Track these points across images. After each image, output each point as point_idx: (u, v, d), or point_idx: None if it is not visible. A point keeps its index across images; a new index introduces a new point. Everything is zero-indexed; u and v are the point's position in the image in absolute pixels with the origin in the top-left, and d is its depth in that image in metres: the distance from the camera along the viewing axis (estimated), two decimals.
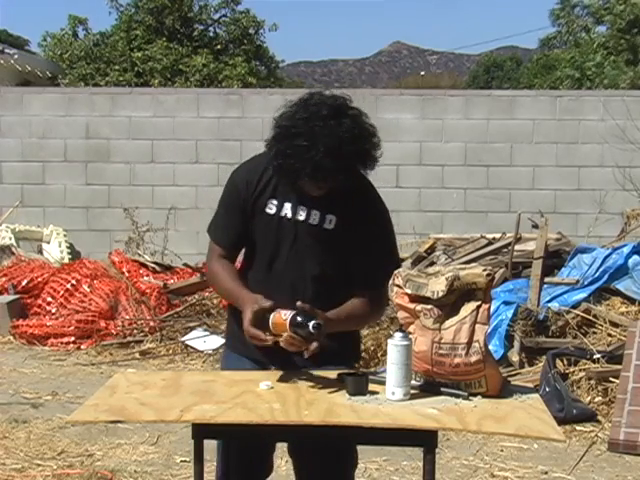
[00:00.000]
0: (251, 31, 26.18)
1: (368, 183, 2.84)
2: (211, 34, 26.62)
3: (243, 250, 2.91)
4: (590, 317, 6.19)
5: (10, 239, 9.97)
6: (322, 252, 2.77)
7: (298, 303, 2.56)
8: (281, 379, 2.70)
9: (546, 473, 4.67)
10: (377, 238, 2.82)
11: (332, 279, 2.78)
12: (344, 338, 2.82)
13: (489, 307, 2.57)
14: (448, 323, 2.54)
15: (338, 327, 2.70)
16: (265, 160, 2.77)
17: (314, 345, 2.54)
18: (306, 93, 2.69)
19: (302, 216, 2.75)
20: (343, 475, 2.93)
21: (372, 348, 6.43)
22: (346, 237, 2.76)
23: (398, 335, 2.53)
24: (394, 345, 2.53)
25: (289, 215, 2.76)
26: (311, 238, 2.76)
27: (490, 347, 2.91)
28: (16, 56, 15.96)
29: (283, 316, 2.56)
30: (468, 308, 2.55)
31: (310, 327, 2.52)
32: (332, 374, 2.72)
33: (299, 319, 2.54)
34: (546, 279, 6.69)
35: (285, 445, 3.03)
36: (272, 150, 2.66)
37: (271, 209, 2.77)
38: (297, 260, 2.76)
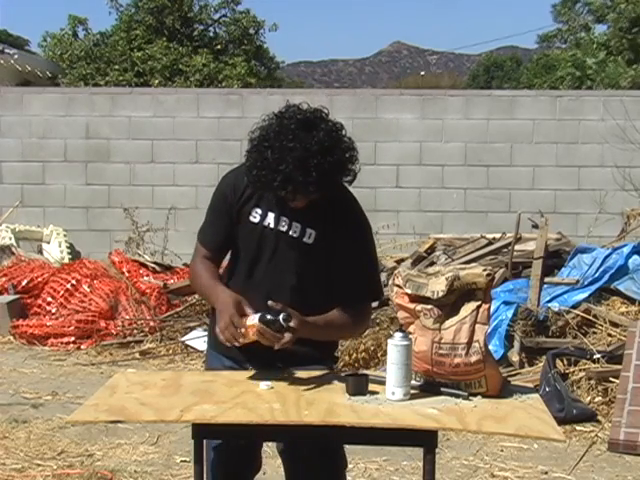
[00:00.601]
0: (251, 31, 26.18)
1: (351, 197, 2.85)
2: (211, 34, 26.62)
3: (228, 255, 2.95)
4: (590, 317, 6.19)
5: (10, 239, 9.97)
6: (301, 264, 2.80)
7: (269, 302, 2.60)
8: (281, 379, 2.71)
9: (546, 473, 4.67)
10: (358, 255, 2.80)
11: (310, 291, 2.80)
12: (319, 342, 2.82)
13: (489, 307, 2.57)
14: (448, 323, 2.54)
15: (315, 332, 2.71)
16: None
17: (287, 336, 2.57)
18: (284, 105, 2.71)
19: (284, 227, 2.79)
20: (337, 476, 2.94)
21: (372, 348, 6.43)
22: (325, 252, 2.78)
23: (398, 335, 2.53)
24: (394, 345, 2.53)
25: (271, 225, 2.80)
26: (291, 250, 2.79)
27: (490, 347, 2.91)
28: (16, 56, 15.97)
29: (250, 321, 2.60)
30: (468, 308, 2.55)
31: (280, 319, 2.56)
32: (317, 373, 2.74)
33: (268, 317, 2.58)
34: (546, 279, 6.68)
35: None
36: (247, 162, 2.70)
37: (255, 217, 2.81)
38: (276, 270, 2.80)
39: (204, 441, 2.57)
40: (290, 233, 2.78)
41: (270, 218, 2.79)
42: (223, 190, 2.89)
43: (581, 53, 25.54)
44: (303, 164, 2.55)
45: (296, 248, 2.78)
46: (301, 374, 2.74)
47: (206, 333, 7.46)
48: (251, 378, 2.73)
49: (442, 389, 2.56)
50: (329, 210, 2.76)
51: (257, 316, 2.60)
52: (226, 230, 2.86)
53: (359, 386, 2.60)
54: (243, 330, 2.61)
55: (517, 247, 7.26)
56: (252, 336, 2.60)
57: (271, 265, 2.80)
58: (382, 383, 2.64)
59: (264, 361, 2.77)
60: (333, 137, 2.61)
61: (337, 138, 2.63)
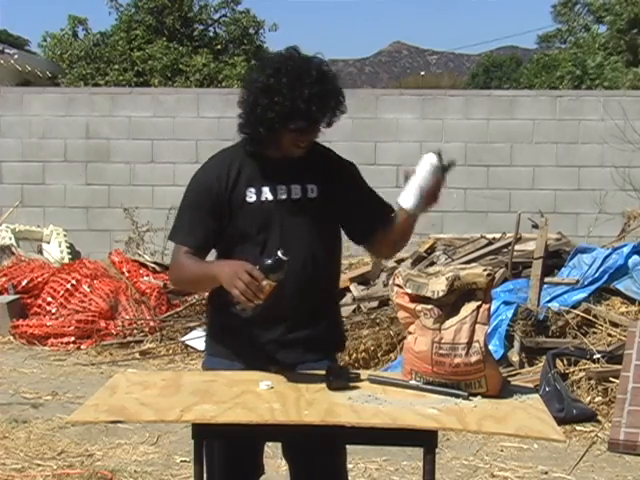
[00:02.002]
0: (251, 31, 26.17)
1: (327, 147, 2.91)
2: (211, 34, 26.61)
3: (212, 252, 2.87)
4: (590, 317, 6.19)
5: (10, 239, 9.97)
6: (310, 223, 2.78)
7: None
8: (281, 379, 2.71)
9: (546, 473, 4.67)
10: (363, 187, 2.90)
11: (321, 247, 2.79)
12: (328, 326, 2.86)
13: (489, 307, 2.57)
14: (448, 323, 2.54)
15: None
16: (227, 155, 2.84)
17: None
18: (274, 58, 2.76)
19: (284, 195, 2.76)
20: (342, 471, 2.94)
21: (372, 348, 6.43)
22: (330, 200, 2.79)
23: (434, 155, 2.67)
24: (429, 163, 2.67)
25: (270, 198, 2.76)
26: (298, 213, 2.77)
27: (490, 347, 2.91)
28: (16, 56, 15.97)
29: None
30: (468, 308, 2.55)
31: (279, 255, 2.52)
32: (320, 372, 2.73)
33: (269, 261, 2.54)
34: (546, 279, 6.68)
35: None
36: (254, 109, 2.67)
37: (251, 197, 2.75)
38: (289, 239, 2.73)
39: (204, 448, 2.55)
40: (292, 197, 2.76)
41: (266, 192, 2.75)
42: (205, 183, 2.80)
43: (582, 52, 25.54)
44: (319, 81, 2.63)
45: (302, 209, 2.76)
46: (305, 373, 2.74)
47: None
48: (253, 377, 2.73)
49: (442, 389, 2.56)
50: (318, 162, 2.81)
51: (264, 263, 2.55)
52: (210, 227, 2.77)
53: (338, 381, 2.61)
54: (264, 283, 2.53)
55: (517, 247, 7.26)
56: (267, 288, 2.54)
57: (283, 237, 2.74)
58: (382, 383, 2.64)
59: (270, 360, 2.77)
60: (328, 71, 2.70)
61: (331, 72, 2.71)
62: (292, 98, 2.60)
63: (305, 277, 2.73)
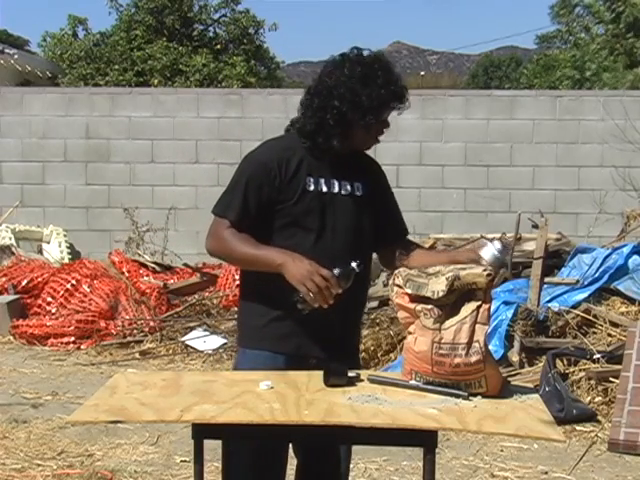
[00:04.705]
0: (251, 31, 26.14)
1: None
2: (211, 34, 26.59)
3: None
4: (590, 317, 6.19)
5: (10, 239, 9.97)
6: (358, 218, 2.90)
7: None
8: (281, 379, 2.71)
9: (546, 473, 4.67)
10: (392, 197, 3.09)
11: (363, 242, 2.90)
12: (356, 329, 3.04)
13: (489, 307, 2.57)
14: (448, 323, 2.54)
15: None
16: (290, 142, 2.87)
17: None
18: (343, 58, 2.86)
19: (336, 188, 2.87)
20: (347, 468, 3.02)
21: (372, 348, 6.43)
22: (372, 200, 2.94)
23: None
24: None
25: (324, 189, 2.84)
26: (349, 207, 2.88)
27: (490, 347, 2.91)
28: (16, 56, 15.98)
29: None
30: (468, 308, 2.54)
31: (354, 267, 2.68)
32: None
33: (345, 268, 2.69)
34: (546, 279, 6.68)
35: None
36: (347, 101, 2.77)
37: (310, 186, 2.82)
38: (342, 231, 2.85)
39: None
40: (343, 192, 2.87)
41: (322, 184, 2.84)
42: (265, 163, 2.80)
43: (581, 54, 25.51)
44: (397, 74, 2.87)
45: (352, 204, 2.88)
46: (305, 373, 2.75)
47: (206, 333, 7.53)
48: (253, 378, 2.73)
49: (442, 389, 2.56)
50: (361, 162, 2.97)
51: (337, 270, 2.67)
52: (261, 205, 2.79)
53: (335, 377, 2.62)
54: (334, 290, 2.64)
55: (517, 247, 7.26)
56: (338, 288, 2.65)
57: (337, 227, 2.84)
58: (382, 383, 2.64)
59: (323, 352, 2.80)
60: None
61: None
62: (391, 82, 2.82)
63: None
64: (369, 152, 3.03)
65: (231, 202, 2.82)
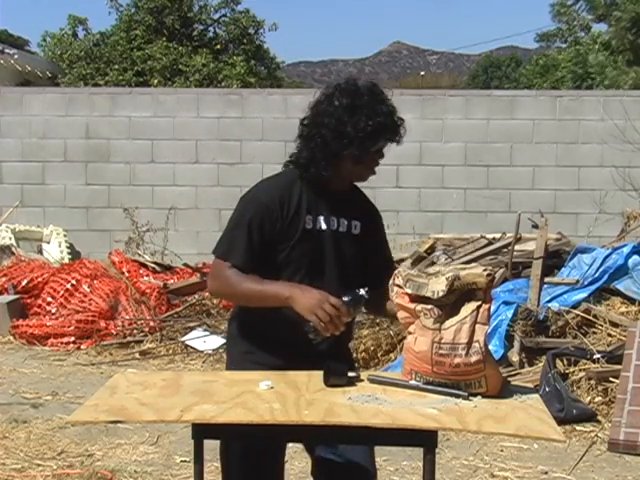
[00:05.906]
0: (251, 31, 26.14)
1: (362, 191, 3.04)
2: (211, 34, 26.59)
3: None
4: (590, 317, 6.19)
5: (10, 239, 9.97)
6: (353, 255, 2.90)
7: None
8: (281, 379, 2.70)
9: (546, 473, 4.67)
10: (384, 239, 3.06)
11: (354, 279, 2.86)
12: (346, 348, 3.03)
13: (489, 307, 2.57)
14: (448, 323, 2.54)
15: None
16: (287, 178, 2.85)
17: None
18: (337, 87, 2.83)
19: (334, 226, 2.87)
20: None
21: (372, 348, 6.43)
22: (367, 240, 2.94)
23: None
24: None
25: (323, 227, 2.85)
26: (346, 245, 2.89)
27: (490, 347, 2.91)
28: (16, 56, 15.99)
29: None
30: (468, 308, 2.54)
31: (363, 293, 2.70)
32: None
33: (349, 297, 2.70)
34: (546, 279, 6.68)
35: (293, 446, 3.03)
36: (334, 132, 2.74)
37: (309, 225, 2.83)
38: (339, 268, 2.86)
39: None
40: (340, 230, 2.88)
41: (321, 222, 2.84)
42: (266, 204, 2.78)
43: (583, 50, 25.47)
44: (393, 108, 2.83)
45: (348, 242, 2.89)
46: (305, 373, 2.75)
47: (206, 333, 7.53)
48: (252, 378, 2.73)
49: (442, 389, 2.56)
50: (359, 202, 2.98)
51: (346, 298, 2.69)
52: (262, 250, 2.78)
53: (335, 376, 2.62)
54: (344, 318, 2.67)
55: (517, 247, 7.26)
56: (348, 316, 2.70)
57: (336, 265, 2.85)
58: (382, 383, 2.64)
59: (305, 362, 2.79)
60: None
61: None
62: (381, 113, 2.76)
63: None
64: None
65: (234, 245, 2.80)
